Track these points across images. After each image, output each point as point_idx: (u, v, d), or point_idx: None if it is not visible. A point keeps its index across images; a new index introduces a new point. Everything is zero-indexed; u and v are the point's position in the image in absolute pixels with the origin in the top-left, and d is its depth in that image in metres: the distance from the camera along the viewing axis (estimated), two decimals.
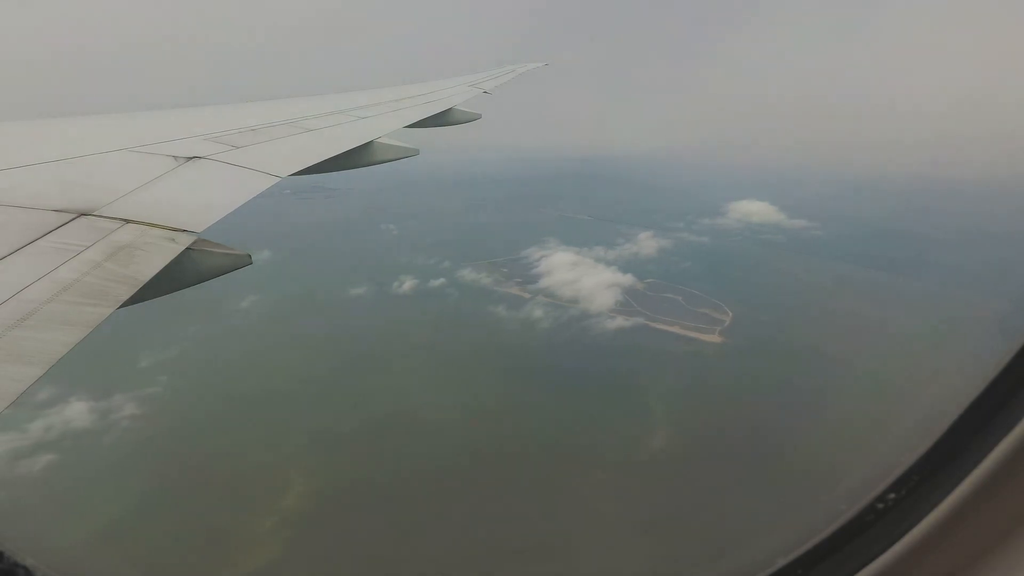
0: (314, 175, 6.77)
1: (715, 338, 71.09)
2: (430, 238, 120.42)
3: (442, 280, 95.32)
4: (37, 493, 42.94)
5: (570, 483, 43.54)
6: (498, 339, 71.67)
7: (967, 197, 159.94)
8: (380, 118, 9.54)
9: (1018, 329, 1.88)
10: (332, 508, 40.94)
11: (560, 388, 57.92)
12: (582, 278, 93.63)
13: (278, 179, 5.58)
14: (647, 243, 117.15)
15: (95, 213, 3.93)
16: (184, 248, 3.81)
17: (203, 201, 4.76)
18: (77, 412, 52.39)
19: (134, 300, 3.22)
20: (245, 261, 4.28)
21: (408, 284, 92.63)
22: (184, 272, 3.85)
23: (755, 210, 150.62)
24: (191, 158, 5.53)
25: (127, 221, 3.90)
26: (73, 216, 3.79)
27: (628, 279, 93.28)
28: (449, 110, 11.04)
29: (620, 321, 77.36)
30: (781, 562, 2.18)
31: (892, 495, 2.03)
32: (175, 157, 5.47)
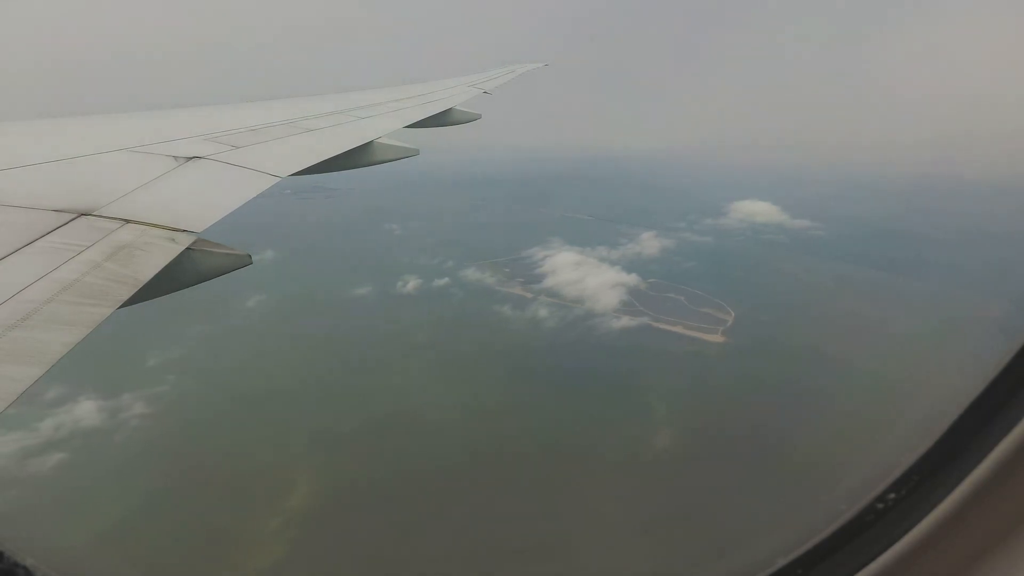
0: (314, 175, 6.78)
1: (718, 338, 71.08)
2: (432, 238, 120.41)
3: (446, 280, 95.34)
4: (47, 492, 43.14)
5: (573, 483, 43.53)
6: (503, 339, 71.70)
7: (968, 196, 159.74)
8: (380, 118, 9.55)
9: (1018, 329, 1.88)
10: (337, 508, 40.98)
11: (564, 388, 57.94)
12: (586, 278, 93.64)
13: (278, 179, 5.58)
14: (650, 243, 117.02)
15: (95, 213, 3.93)
16: (184, 248, 3.81)
17: (203, 201, 4.76)
18: (86, 411, 52.71)
19: (134, 300, 3.23)
20: (245, 261, 4.28)
21: (412, 284, 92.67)
22: (184, 272, 3.85)
23: (757, 210, 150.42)
24: (191, 158, 5.53)
25: (127, 221, 3.90)
26: (73, 216, 3.79)
27: (632, 279, 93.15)
28: (449, 110, 11.05)
29: (624, 321, 77.35)
30: (781, 562, 2.18)
31: (892, 495, 2.03)
32: (175, 157, 5.47)
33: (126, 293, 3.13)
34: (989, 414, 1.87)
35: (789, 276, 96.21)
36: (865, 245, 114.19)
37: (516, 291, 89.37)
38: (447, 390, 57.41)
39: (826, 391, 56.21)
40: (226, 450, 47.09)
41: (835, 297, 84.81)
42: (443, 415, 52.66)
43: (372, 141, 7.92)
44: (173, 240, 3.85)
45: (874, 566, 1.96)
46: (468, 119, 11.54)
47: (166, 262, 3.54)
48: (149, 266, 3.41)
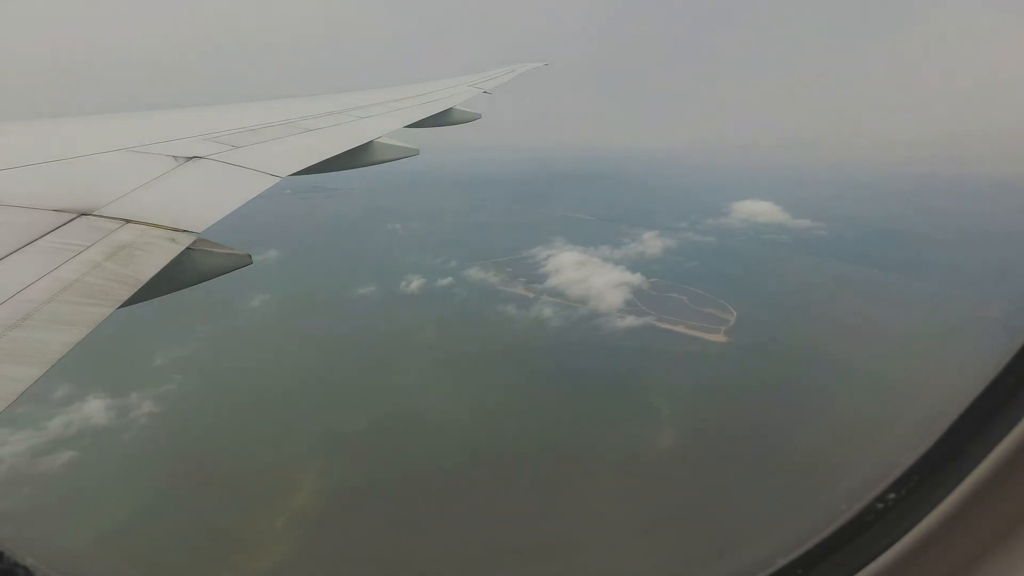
0: (314, 175, 6.78)
1: (720, 337, 71.13)
2: (435, 238, 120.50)
3: (449, 279, 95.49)
4: (57, 490, 43.49)
5: (576, 483, 43.59)
6: (507, 338, 71.83)
7: (969, 196, 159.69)
8: (380, 118, 9.55)
9: (1018, 329, 1.88)
10: (342, 507, 41.12)
11: (567, 387, 58.04)
12: (590, 277, 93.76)
13: (278, 179, 5.58)
14: (652, 243, 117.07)
15: (95, 213, 3.93)
16: (184, 248, 3.81)
17: (203, 201, 4.76)
18: (95, 409, 53.16)
19: (134, 300, 3.22)
20: (245, 261, 4.28)
21: (415, 283, 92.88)
22: (184, 272, 3.85)
23: (759, 210, 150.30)
24: (191, 158, 5.53)
25: (127, 221, 3.90)
26: (73, 216, 3.79)
27: (635, 278, 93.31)
28: (449, 110, 11.04)
29: (627, 321, 77.50)
30: (781, 562, 2.18)
31: (892, 495, 2.03)
32: (175, 157, 5.47)
33: (126, 293, 3.13)
34: (989, 414, 1.87)
35: (791, 276, 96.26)
36: (866, 245, 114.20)
37: (518, 291, 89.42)
38: (452, 390, 57.56)
39: (827, 391, 56.24)
40: (232, 449, 47.37)
41: (837, 297, 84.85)
42: (448, 415, 52.81)
43: (372, 141, 7.92)
44: (173, 240, 3.85)
45: (874, 566, 1.96)
46: (468, 119, 11.54)
47: (166, 262, 3.54)
48: (149, 266, 3.41)
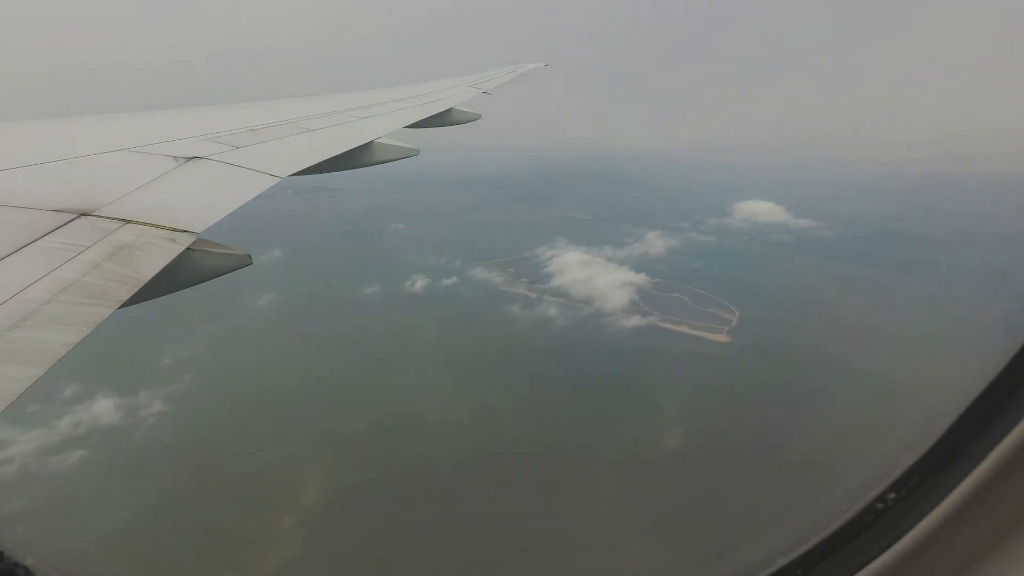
0: (315, 175, 6.78)
1: (723, 338, 71.18)
2: (437, 238, 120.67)
3: (454, 279, 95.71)
4: (68, 490, 43.91)
5: (579, 483, 43.70)
6: (513, 338, 72.05)
7: (970, 196, 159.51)
8: (380, 118, 9.55)
9: (1018, 329, 1.88)
10: (350, 507, 41.33)
11: (572, 388, 58.19)
12: (594, 277, 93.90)
13: (278, 179, 5.58)
14: (655, 243, 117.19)
15: (95, 213, 3.93)
16: (184, 248, 3.81)
17: (203, 201, 4.76)
18: (104, 408, 53.58)
19: (134, 300, 3.22)
20: (245, 261, 4.27)
21: (420, 283, 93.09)
22: (184, 272, 3.85)
23: (761, 210, 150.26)
24: (191, 158, 5.53)
25: (127, 221, 3.90)
26: (73, 216, 3.79)
27: (640, 278, 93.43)
28: (449, 110, 11.04)
29: (632, 321, 77.72)
30: (781, 562, 2.18)
31: (892, 495, 2.03)
32: (175, 157, 5.47)
33: (126, 293, 3.13)
34: (989, 414, 1.87)
35: (793, 276, 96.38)
36: (868, 245, 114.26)
37: (522, 291, 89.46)
38: (457, 389, 57.81)
39: (827, 391, 56.29)
40: (241, 448, 47.71)
41: (838, 297, 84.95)
42: (453, 414, 53.02)
43: (372, 141, 7.92)
44: (173, 240, 3.85)
45: (874, 566, 1.96)
46: (468, 119, 11.54)
47: (166, 262, 3.54)
48: (149, 266, 3.41)
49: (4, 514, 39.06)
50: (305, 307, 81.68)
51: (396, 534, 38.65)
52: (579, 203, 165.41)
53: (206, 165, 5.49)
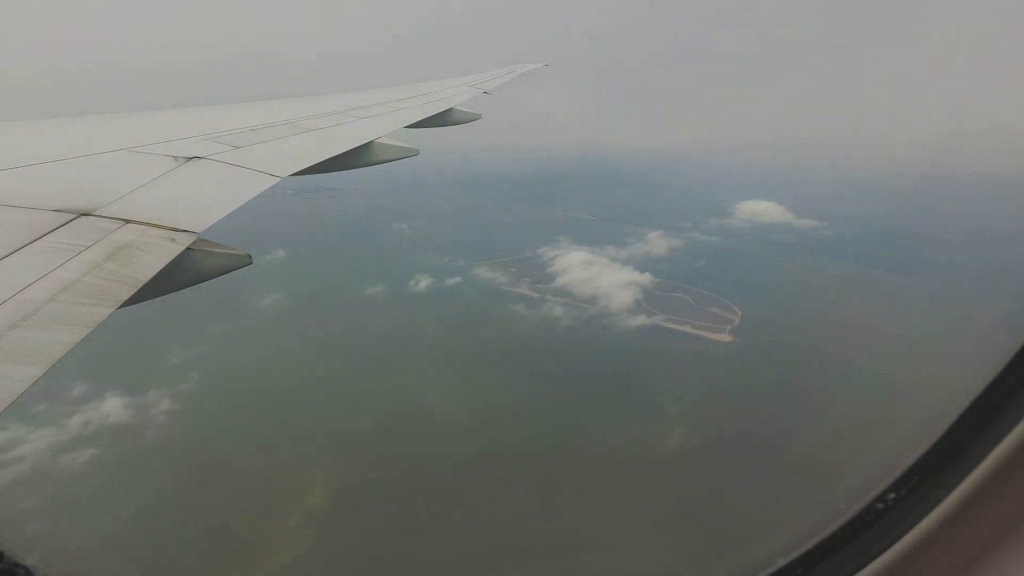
0: (315, 175, 6.79)
1: (726, 337, 71.22)
2: (440, 237, 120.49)
3: (458, 279, 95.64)
4: (81, 488, 44.24)
5: (581, 483, 43.69)
6: (518, 338, 72.08)
7: (971, 195, 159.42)
8: (380, 118, 9.56)
9: (1019, 329, 1.88)
10: (358, 506, 41.45)
11: (576, 387, 58.23)
12: (598, 277, 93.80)
13: (278, 179, 5.58)
14: (657, 243, 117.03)
15: (95, 213, 3.93)
16: (184, 248, 3.81)
17: (203, 201, 4.76)
18: (114, 408, 53.83)
19: (134, 300, 3.22)
20: (245, 261, 4.27)
21: (424, 283, 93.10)
22: (184, 272, 3.85)
23: (763, 210, 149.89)
24: (191, 158, 5.53)
25: (127, 221, 3.90)
26: (73, 216, 3.79)
27: (644, 278, 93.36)
28: (449, 110, 11.05)
29: (635, 320, 77.81)
30: (781, 562, 2.18)
31: (892, 495, 2.03)
32: (175, 157, 5.47)
33: (126, 293, 3.13)
34: (989, 414, 1.86)
35: (795, 276, 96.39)
36: (870, 245, 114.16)
37: (525, 291, 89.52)
38: (463, 389, 57.90)
39: (828, 391, 56.28)
40: (247, 448, 48.00)
41: (840, 297, 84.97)
42: (459, 414, 53.13)
43: (372, 141, 7.92)
44: (173, 240, 3.85)
45: (874, 566, 1.96)
46: (468, 119, 11.55)
47: (166, 262, 3.54)
48: (149, 266, 3.41)
49: (18, 512, 39.55)
50: (310, 307, 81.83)
51: (402, 534, 38.75)
52: (580, 203, 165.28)
53: (206, 165, 5.49)
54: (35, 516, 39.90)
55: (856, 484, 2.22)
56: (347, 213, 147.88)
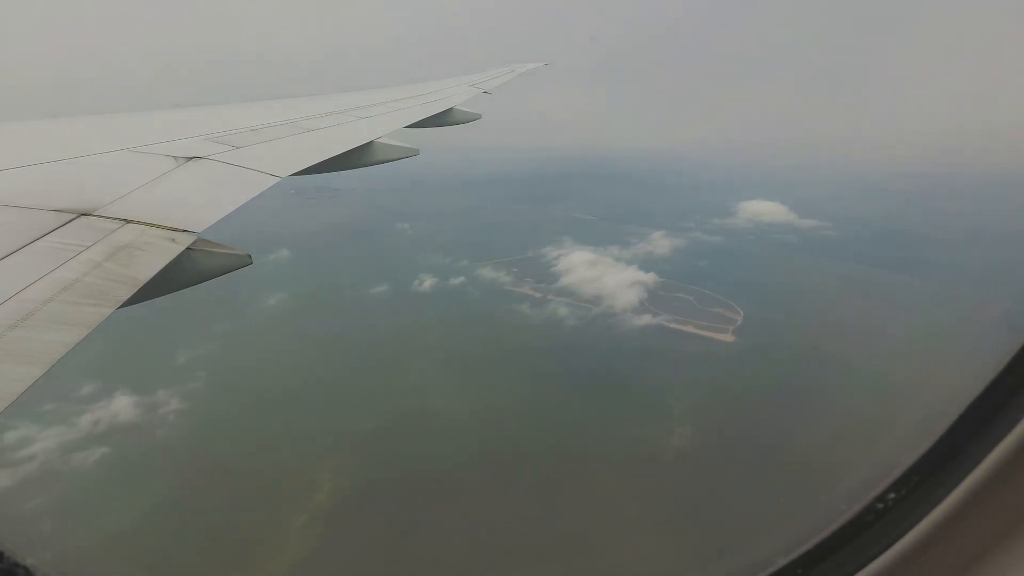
0: (315, 175, 6.79)
1: (728, 337, 71.26)
2: (443, 237, 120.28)
3: (462, 279, 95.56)
4: (94, 486, 44.34)
5: (582, 484, 43.71)
6: (523, 338, 72.04)
7: (971, 195, 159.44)
8: (380, 118, 9.56)
9: (1019, 328, 1.88)
10: (367, 505, 41.56)
11: (582, 387, 58.25)
12: (603, 277, 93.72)
13: (278, 179, 5.58)
14: (660, 242, 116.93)
15: (95, 213, 3.93)
16: (184, 248, 3.81)
17: (203, 201, 4.76)
18: (123, 406, 54.08)
19: (134, 300, 3.23)
20: (245, 261, 4.27)
21: (428, 283, 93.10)
22: (184, 272, 3.86)
23: (765, 210, 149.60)
24: (191, 158, 5.54)
25: (127, 221, 3.90)
26: (73, 216, 3.79)
27: (649, 278, 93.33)
28: (449, 110, 11.05)
29: (640, 320, 77.87)
30: (781, 562, 2.18)
31: (892, 495, 2.02)
32: (175, 157, 5.47)
33: (126, 293, 3.13)
34: (989, 414, 1.86)
35: (797, 276, 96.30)
36: (872, 245, 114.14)
37: (527, 291, 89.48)
38: (469, 389, 57.96)
39: (829, 391, 56.30)
40: (255, 446, 48.21)
41: (842, 297, 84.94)
42: (465, 414, 53.18)
43: (372, 141, 7.92)
44: (173, 240, 3.85)
45: (874, 566, 1.96)
46: (468, 119, 11.54)
47: (166, 262, 3.55)
48: (149, 266, 3.42)
49: (30, 510, 39.96)
50: (316, 306, 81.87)
51: (408, 534, 38.82)
52: (582, 203, 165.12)
53: (206, 165, 5.49)
54: (47, 514, 40.34)
55: (856, 484, 2.22)
56: (348, 213, 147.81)
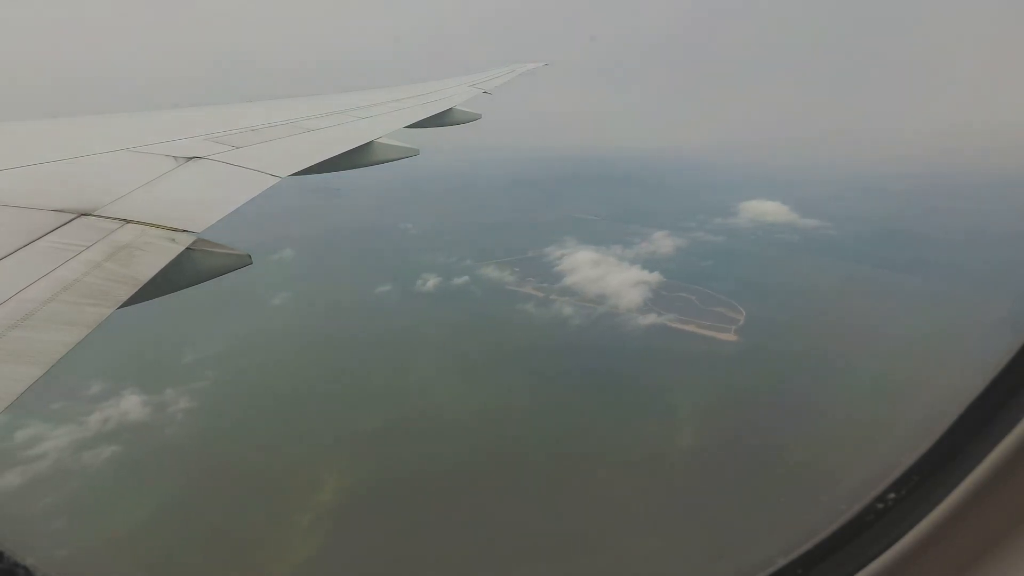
0: (315, 175, 6.79)
1: (731, 337, 71.29)
2: (445, 237, 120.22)
3: (465, 278, 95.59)
4: (105, 484, 44.64)
5: (584, 484, 43.80)
6: (527, 338, 72.13)
7: (972, 195, 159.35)
8: (380, 118, 9.56)
9: (1019, 328, 1.88)
10: (374, 505, 41.67)
11: (587, 387, 58.40)
12: (606, 276, 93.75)
13: (278, 179, 5.58)
14: (662, 242, 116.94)
15: (95, 213, 3.93)
16: (184, 248, 3.81)
17: (203, 201, 4.76)
18: (132, 405, 54.40)
19: (134, 300, 3.23)
20: (245, 261, 4.27)
21: (432, 282, 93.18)
22: (184, 272, 3.86)
23: (767, 210, 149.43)
24: (191, 158, 5.54)
25: (127, 221, 3.91)
26: (73, 216, 3.79)
27: (652, 277, 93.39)
28: (449, 110, 11.05)
29: (644, 320, 78.00)
30: (781, 562, 2.18)
31: (892, 495, 2.02)
32: (175, 157, 5.47)
33: (126, 293, 3.13)
34: (989, 414, 1.86)
35: (799, 276, 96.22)
36: (874, 245, 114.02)
37: (530, 291, 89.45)
38: (474, 389, 58.04)
39: (831, 391, 56.30)
40: (263, 446, 48.40)
41: (844, 297, 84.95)
42: (470, 414, 53.25)
43: (372, 141, 7.92)
44: (173, 240, 3.85)
45: (874, 566, 1.96)
46: (468, 119, 11.54)
47: (166, 262, 3.55)
48: (149, 266, 3.42)
49: (42, 509, 40.22)
50: (320, 306, 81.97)
51: (414, 533, 38.94)
52: (583, 203, 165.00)
53: (206, 165, 5.49)
54: (60, 512, 40.70)
55: (856, 484, 2.22)
56: (349, 213, 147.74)
